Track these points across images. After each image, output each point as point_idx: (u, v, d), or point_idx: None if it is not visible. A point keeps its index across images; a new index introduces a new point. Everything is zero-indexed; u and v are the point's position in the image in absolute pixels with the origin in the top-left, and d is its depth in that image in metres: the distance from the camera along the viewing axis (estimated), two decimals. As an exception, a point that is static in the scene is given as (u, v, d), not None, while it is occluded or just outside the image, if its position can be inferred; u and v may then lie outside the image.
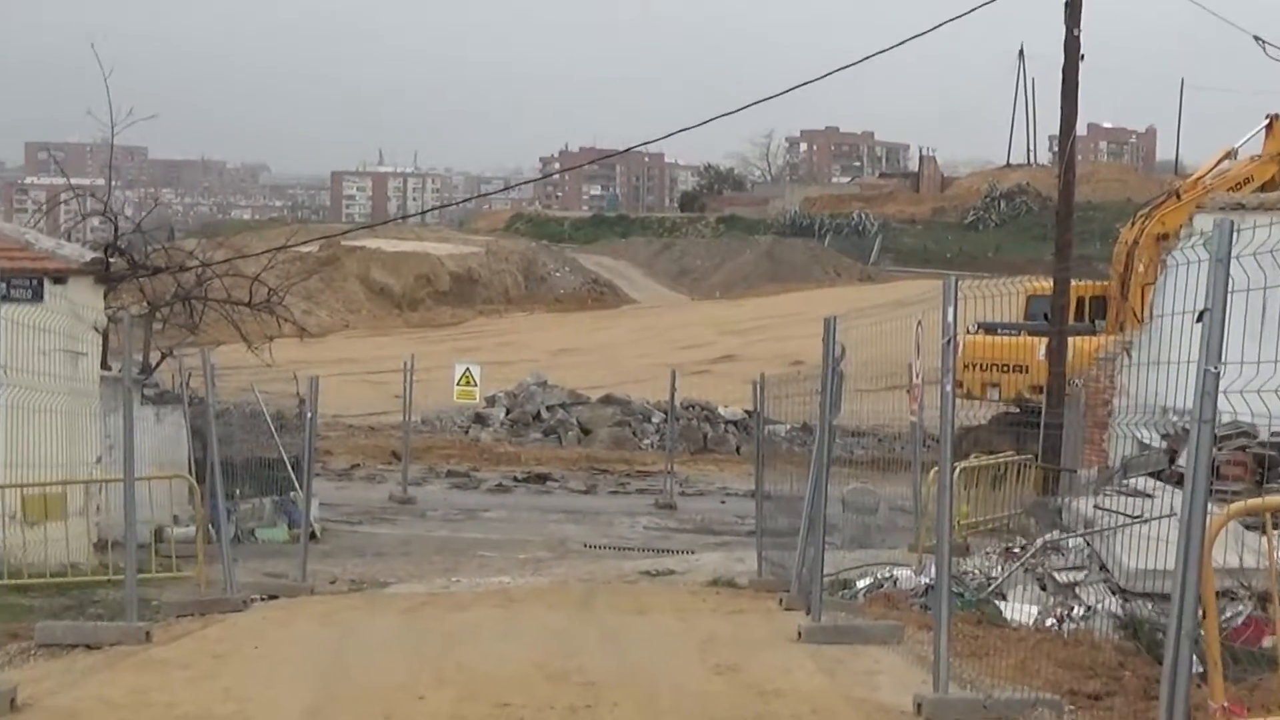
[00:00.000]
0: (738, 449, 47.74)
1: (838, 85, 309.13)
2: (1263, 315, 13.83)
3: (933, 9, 29.79)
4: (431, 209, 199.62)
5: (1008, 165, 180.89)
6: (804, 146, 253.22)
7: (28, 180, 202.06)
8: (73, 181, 36.96)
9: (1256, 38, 29.77)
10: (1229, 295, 9.33)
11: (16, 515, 21.35)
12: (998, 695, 12.19)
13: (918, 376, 24.56)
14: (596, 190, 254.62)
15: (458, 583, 23.60)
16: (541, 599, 19.99)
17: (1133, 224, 38.70)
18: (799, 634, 15.55)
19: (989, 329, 41.03)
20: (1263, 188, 38.28)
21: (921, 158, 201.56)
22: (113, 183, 34.49)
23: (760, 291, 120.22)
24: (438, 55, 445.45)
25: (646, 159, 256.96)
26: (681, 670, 13.81)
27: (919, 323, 23.62)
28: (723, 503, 37.53)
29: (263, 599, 20.85)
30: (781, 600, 18.86)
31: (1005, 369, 38.56)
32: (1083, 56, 29.14)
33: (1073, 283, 41.84)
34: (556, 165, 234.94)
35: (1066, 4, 29.13)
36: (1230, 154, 37.32)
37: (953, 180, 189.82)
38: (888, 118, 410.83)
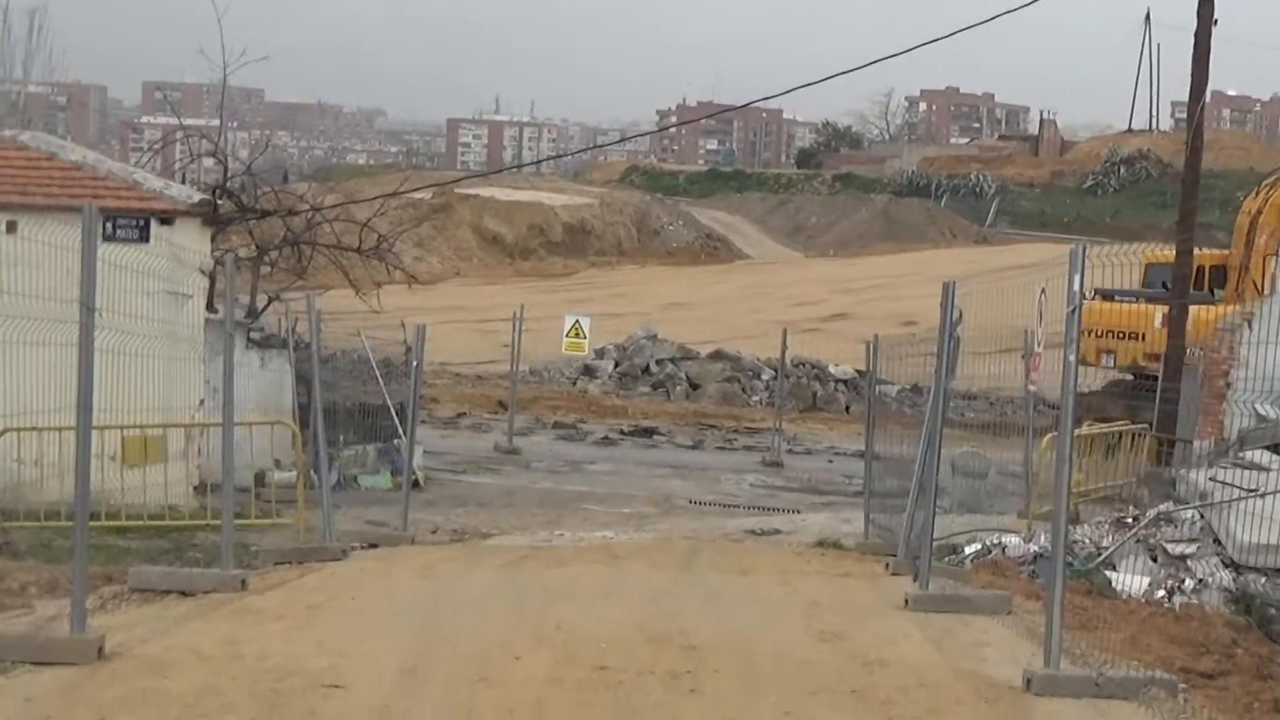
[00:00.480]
0: (847, 408, 47.28)
1: (959, 46, 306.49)
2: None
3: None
4: (546, 159, 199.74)
5: (1129, 130, 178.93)
6: (923, 106, 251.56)
7: (143, 119, 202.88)
8: (185, 122, 36.88)
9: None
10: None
11: (116, 457, 21.15)
12: (1110, 673, 11.76)
13: (1039, 344, 23.98)
14: (713, 145, 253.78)
15: (560, 536, 23.32)
16: (644, 556, 19.66)
17: (1256, 194, 38.04)
18: (905, 601, 15.17)
19: (1106, 295, 40.43)
20: None
21: (1042, 120, 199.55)
22: (228, 125, 34.36)
23: (875, 251, 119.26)
24: (558, 4, 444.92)
25: (764, 115, 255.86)
26: (784, 636, 13.45)
27: (1043, 290, 23.01)
28: (830, 462, 37.09)
29: (363, 547, 20.66)
30: (888, 565, 18.49)
31: (1121, 336, 37.95)
32: (1216, 21, 28.38)
33: (1193, 251, 41.24)
34: (673, 118, 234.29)
35: (1200, -36, 28.38)
36: None
37: (1072, 144, 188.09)
38: (1008, 80, 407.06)
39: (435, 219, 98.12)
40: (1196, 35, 28.19)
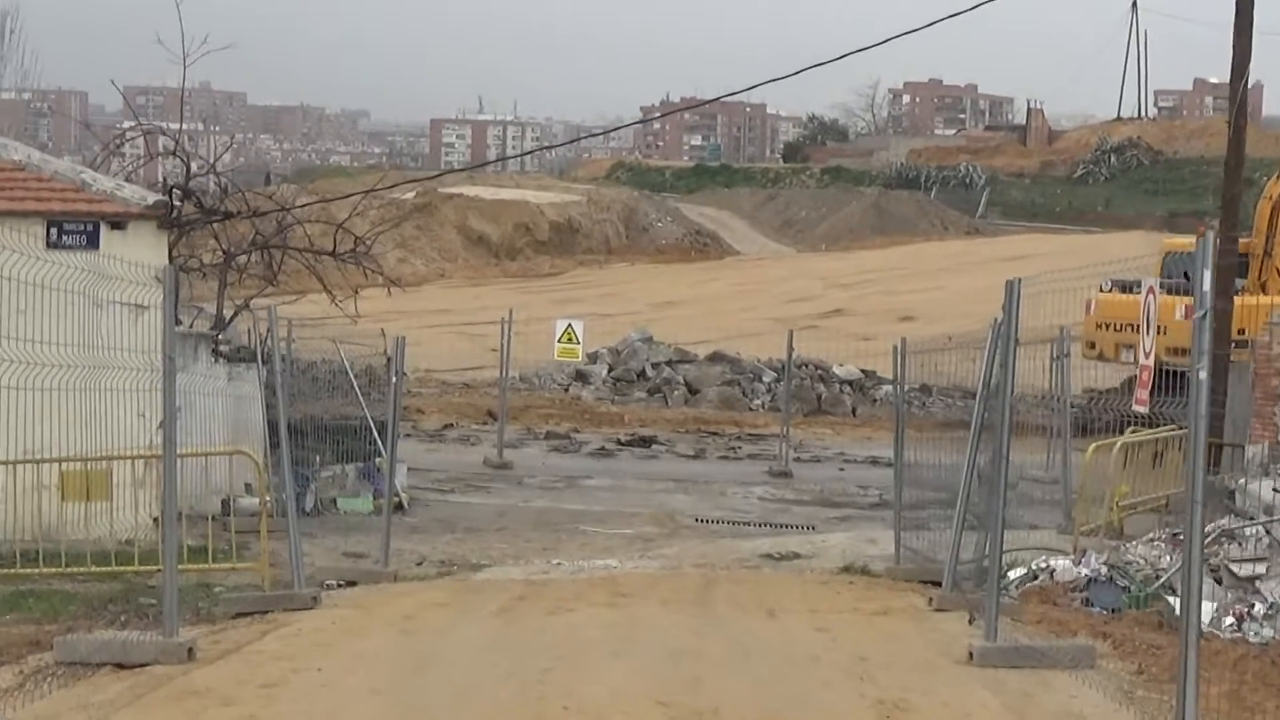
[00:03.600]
0: (853, 410, 45.18)
1: (941, 37, 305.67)
2: None
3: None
4: (529, 151, 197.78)
5: (1118, 119, 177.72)
6: (907, 98, 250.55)
7: (125, 125, 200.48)
8: (152, 123, 34.66)
9: None
10: None
11: (55, 491, 18.86)
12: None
13: (1147, 355, 21.60)
14: (697, 140, 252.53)
15: (558, 565, 21.11)
16: (654, 591, 17.48)
17: (1278, 177, 36.39)
18: (970, 655, 12.99)
19: (1124, 286, 38.42)
20: None
21: (1029, 110, 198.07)
22: (213, 128, 32.18)
23: (867, 244, 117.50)
24: (541, 3, 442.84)
25: (748, 109, 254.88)
26: (836, 709, 11.25)
27: (1151, 289, 20.67)
28: (841, 470, 34.92)
29: (339, 585, 18.54)
30: (931, 600, 16.34)
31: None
32: (1258, -9, 26.24)
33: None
34: (657, 114, 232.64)
35: (1240, -73, 26.13)
36: None
37: (1060, 134, 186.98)
38: (991, 71, 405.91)
39: (419, 220, 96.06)
40: (1238, 4, 26.00)
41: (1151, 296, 19.93)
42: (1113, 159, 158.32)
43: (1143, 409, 21.60)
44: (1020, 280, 13.23)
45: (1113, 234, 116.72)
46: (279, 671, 12.26)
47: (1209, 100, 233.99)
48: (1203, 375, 8.87)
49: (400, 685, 11.96)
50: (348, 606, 16.25)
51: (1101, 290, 38.01)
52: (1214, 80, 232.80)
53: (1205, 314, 8.82)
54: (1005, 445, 13.46)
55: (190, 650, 12.71)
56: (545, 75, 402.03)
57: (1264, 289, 35.25)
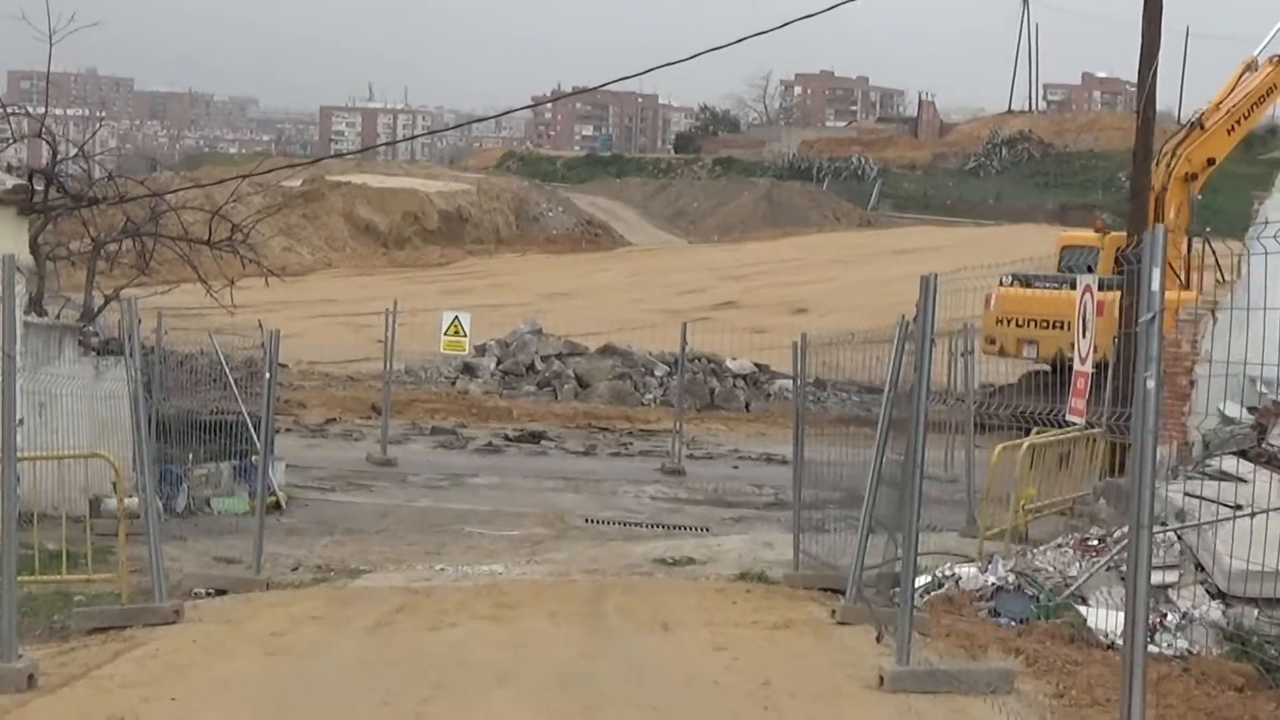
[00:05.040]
0: (747, 405, 44.37)
1: (832, 29, 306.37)
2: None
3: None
4: (417, 136, 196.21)
5: (1009, 111, 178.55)
6: (798, 90, 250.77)
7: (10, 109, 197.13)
8: (19, 106, 33.28)
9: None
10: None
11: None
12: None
13: (1084, 360, 20.66)
14: (589, 130, 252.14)
15: (441, 571, 20.05)
16: (542, 602, 16.47)
17: (1157, 164, 35.79)
18: (881, 680, 12.09)
19: (1025, 281, 37.80)
20: None
21: (921, 102, 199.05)
22: (99, 113, 30.93)
23: (759, 235, 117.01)
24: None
25: (640, 100, 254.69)
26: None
27: (1088, 288, 19.71)
28: (735, 467, 34.10)
29: (208, 594, 17.45)
30: (834, 612, 15.43)
31: (1045, 325, 35.57)
32: (1169, -26, 25.56)
33: (1112, 233, 38.74)
34: (548, 105, 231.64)
35: (1149, -86, 25.39)
36: (1250, 65, 34.67)
37: (951, 126, 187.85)
38: (882, 63, 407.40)
39: (305, 208, 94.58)
40: (1146, -7, 25.31)
41: (1088, 296, 18.97)
42: (1004, 152, 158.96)
43: (1079, 419, 20.74)
44: (936, 276, 12.33)
45: (1005, 226, 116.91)
46: (127, 702, 11.14)
47: (1096, 94, 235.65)
48: (1150, 384, 7.97)
49: (262, 716, 10.90)
50: (213, 621, 15.13)
51: (1001, 284, 37.44)
52: (1102, 74, 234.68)
53: (1154, 316, 7.93)
54: (919, 453, 12.58)
55: (31, 677, 11.57)
56: (437, 64, 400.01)
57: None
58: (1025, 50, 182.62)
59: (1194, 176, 34.27)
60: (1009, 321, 37.07)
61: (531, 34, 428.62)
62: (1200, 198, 36.23)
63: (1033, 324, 36.52)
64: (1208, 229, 34.94)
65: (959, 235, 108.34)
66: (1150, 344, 7.99)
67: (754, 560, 20.60)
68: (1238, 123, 34.79)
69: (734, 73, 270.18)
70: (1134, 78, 26.91)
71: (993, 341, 37.25)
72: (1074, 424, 20.86)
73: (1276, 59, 34.63)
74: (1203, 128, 34.10)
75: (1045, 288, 37.09)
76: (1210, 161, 34.45)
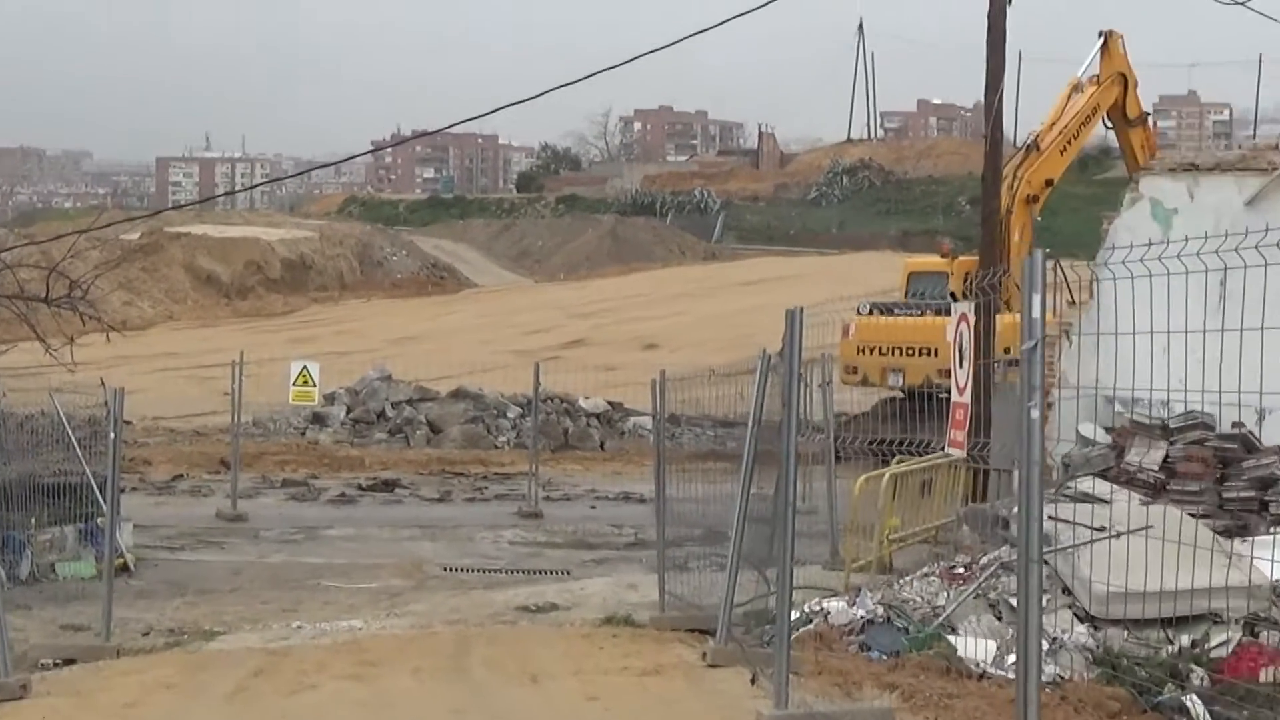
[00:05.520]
0: (602, 444, 44.02)
1: (670, 64, 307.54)
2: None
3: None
4: (256, 185, 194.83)
5: (848, 141, 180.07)
6: (638, 125, 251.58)
7: None
8: None
9: None
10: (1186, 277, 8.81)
11: None
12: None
13: (962, 391, 20.39)
14: (430, 173, 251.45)
15: (299, 629, 19.49)
16: (405, 657, 15.99)
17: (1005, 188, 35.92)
18: (760, 727, 11.76)
19: (885, 309, 37.76)
20: (1108, 113, 35.99)
21: (761, 134, 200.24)
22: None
23: (605, 272, 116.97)
24: (267, 40, 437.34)
25: (480, 140, 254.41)
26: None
27: (963, 316, 19.45)
28: (593, 508, 33.72)
29: (55, 664, 16.83)
30: (705, 655, 15.09)
31: (910, 352, 35.52)
32: (1010, 1, 25.47)
33: (960, 257, 38.84)
34: (388, 145, 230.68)
35: (992, -62, 25.31)
36: (1076, 85, 35.05)
37: (792, 157, 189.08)
38: (721, 96, 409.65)
39: (144, 260, 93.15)
40: (990, 19, 25.23)
41: (965, 325, 18.70)
42: (845, 180, 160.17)
43: (959, 452, 20.54)
44: (802, 309, 12.03)
45: (848, 255, 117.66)
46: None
47: (933, 120, 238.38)
48: (1035, 414, 7.68)
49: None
50: (62, 694, 14.51)
51: (859, 313, 37.41)
52: (937, 100, 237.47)
53: (1036, 345, 7.64)
54: (791, 488, 12.26)
55: None
56: (274, 111, 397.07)
57: (1007, 306, 34.84)
58: (862, 79, 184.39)
59: (1035, 198, 34.48)
60: (871, 350, 37.00)
61: (368, 78, 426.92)
62: (1040, 219, 36.42)
63: (897, 351, 36.49)
64: (1046, 250, 34.99)
65: (804, 265, 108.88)
66: (1033, 372, 7.71)
67: (618, 603, 20.25)
68: (1069, 143, 35.14)
69: (574, 110, 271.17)
70: (968, 103, 27.13)
71: (854, 371, 37.18)
72: (952, 454, 20.70)
73: (1096, 79, 35.07)
74: (1039, 149, 34.32)
75: (907, 315, 37.13)
76: (1048, 183, 34.71)
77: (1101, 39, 35.37)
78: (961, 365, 19.70)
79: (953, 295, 31.10)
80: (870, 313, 37.34)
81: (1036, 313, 7.71)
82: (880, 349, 36.08)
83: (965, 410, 19.81)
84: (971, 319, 19.52)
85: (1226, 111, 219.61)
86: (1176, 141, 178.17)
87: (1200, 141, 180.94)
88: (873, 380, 36.21)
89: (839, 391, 33.77)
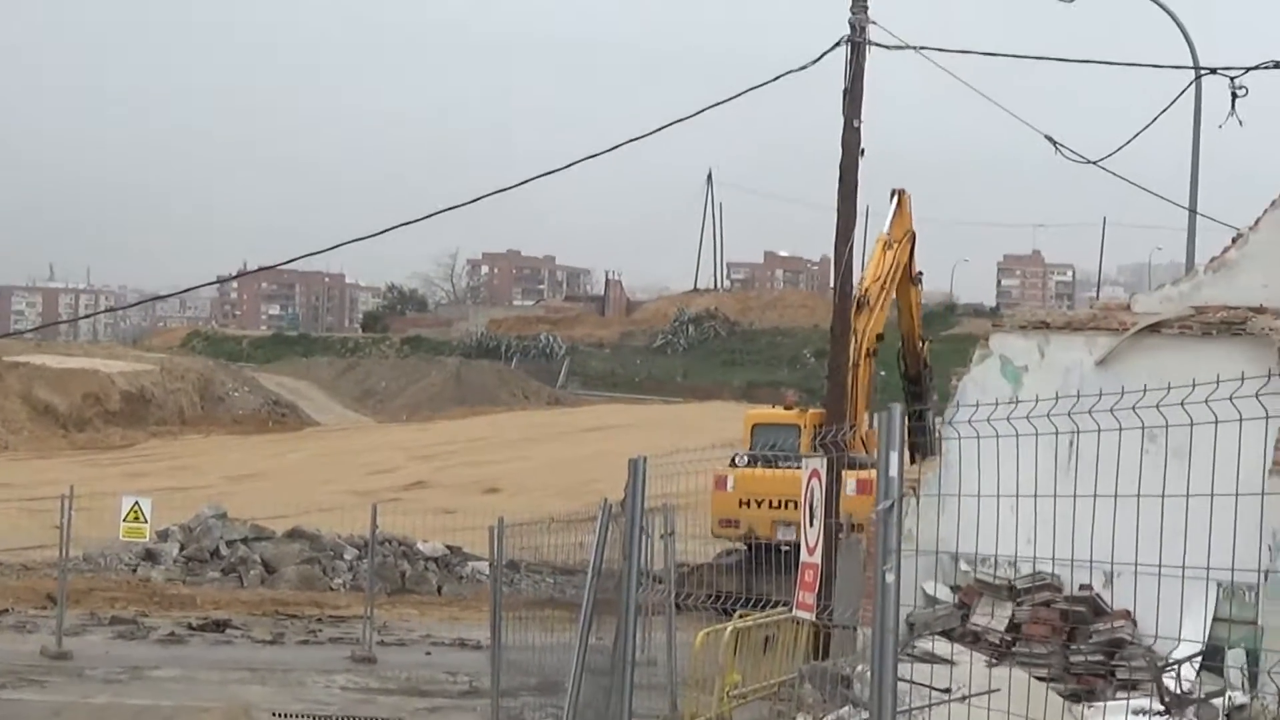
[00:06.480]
0: (439, 589, 43.31)
1: (518, 208, 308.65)
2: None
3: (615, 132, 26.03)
4: (96, 313, 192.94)
5: (695, 290, 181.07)
6: (485, 268, 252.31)
7: None
8: None
9: (1048, 138, 26.37)
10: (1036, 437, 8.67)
11: None
12: None
13: (811, 551, 20.00)
14: (275, 310, 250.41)
15: (119, 779, 18.86)
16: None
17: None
18: None
19: (769, 461, 37.34)
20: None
21: (608, 281, 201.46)
22: None
23: (448, 414, 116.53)
24: (112, 174, 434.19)
25: (327, 279, 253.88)
26: None
27: (815, 472, 19.10)
28: (428, 654, 33.10)
29: None
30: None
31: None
32: (863, 151, 25.52)
33: (811, 410, 38.77)
34: (234, 284, 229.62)
35: (845, 92, 25.31)
36: (886, 242, 35.30)
37: (638, 304, 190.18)
38: (569, 242, 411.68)
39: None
40: (842, 166, 25.27)
41: (816, 481, 18.38)
42: (691, 329, 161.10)
43: (808, 614, 20.20)
44: (645, 458, 11.73)
45: (692, 404, 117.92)
46: None
47: (779, 272, 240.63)
48: (890, 578, 7.38)
49: None
50: None
51: (735, 464, 36.97)
52: (784, 253, 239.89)
53: (893, 505, 7.36)
54: (630, 644, 11.87)
55: None
56: (120, 243, 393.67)
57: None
58: (710, 229, 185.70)
59: (874, 352, 34.47)
60: (759, 503, 36.43)
61: (215, 213, 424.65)
62: (882, 374, 36.44)
63: (790, 505, 36.11)
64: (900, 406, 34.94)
65: (648, 413, 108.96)
66: (890, 534, 7.42)
67: (452, 756, 19.79)
68: (888, 298, 35.28)
69: (421, 251, 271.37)
70: (815, 256, 27.07)
71: (733, 524, 36.62)
72: (800, 616, 20.35)
73: (887, 238, 35.13)
74: (869, 304, 34.31)
75: (790, 468, 36.79)
76: (880, 337, 34.69)
77: (895, 197, 35.61)
78: (812, 524, 19.39)
79: (816, 445, 30.93)
80: (748, 464, 36.91)
81: (894, 470, 7.41)
82: (771, 502, 35.58)
83: (815, 571, 19.41)
84: (823, 474, 19.23)
85: (1070, 272, 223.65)
86: (1020, 300, 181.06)
87: (1044, 301, 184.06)
88: (760, 534, 35.62)
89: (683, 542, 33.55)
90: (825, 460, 11.28)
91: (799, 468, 33.90)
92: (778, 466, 36.22)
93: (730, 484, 36.39)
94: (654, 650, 24.99)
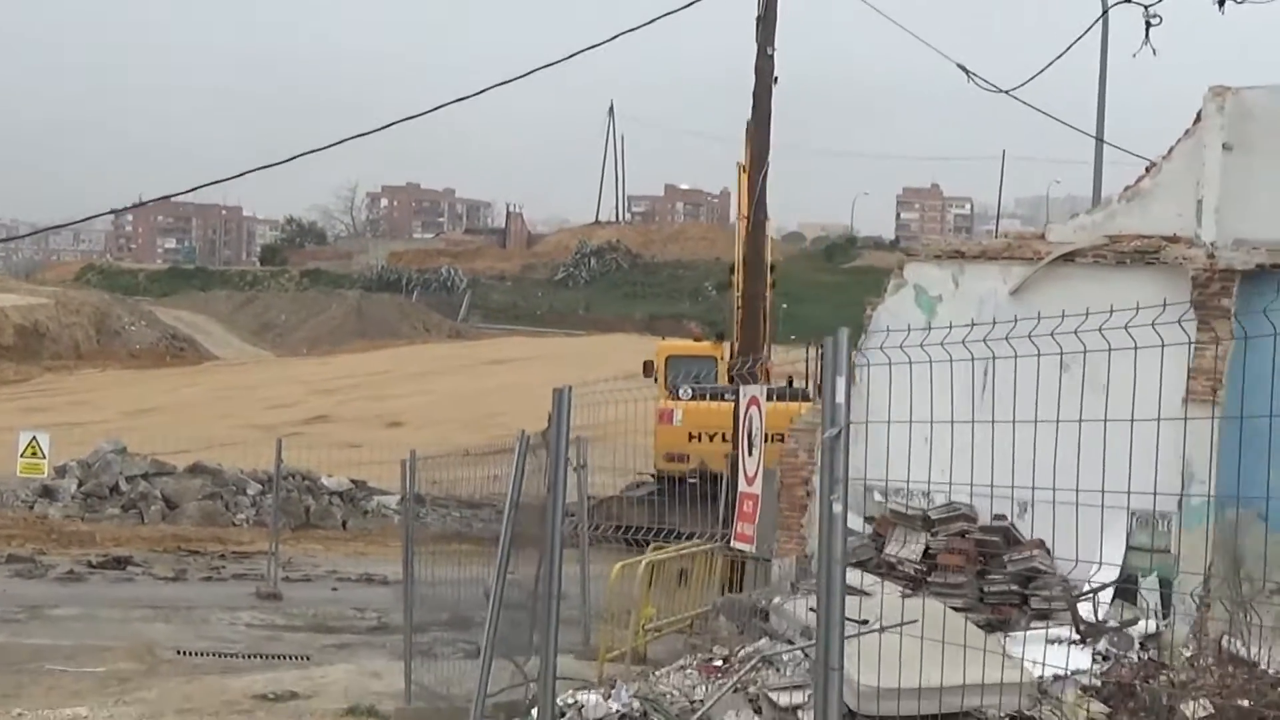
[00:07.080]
0: (344, 524, 42.90)
1: (418, 140, 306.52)
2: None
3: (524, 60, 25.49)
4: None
5: (596, 223, 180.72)
6: (385, 201, 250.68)
7: None
8: None
9: (961, 66, 26.07)
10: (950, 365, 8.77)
11: None
12: None
13: (750, 481, 19.74)
14: (172, 243, 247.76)
15: (19, 717, 18.40)
16: (132, 751, 15.06)
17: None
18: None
19: (716, 394, 36.96)
20: None
21: (509, 214, 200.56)
22: None
23: (349, 348, 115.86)
24: (8, 101, 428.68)
25: (224, 211, 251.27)
26: None
27: (754, 400, 18.84)
28: (334, 589, 32.65)
29: None
30: (459, 754, 14.39)
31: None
32: (776, 79, 25.17)
33: (724, 343, 38.48)
34: (129, 217, 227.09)
35: (758, 20, 24.94)
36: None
37: (540, 237, 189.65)
38: (469, 174, 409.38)
39: None
40: (755, 94, 24.94)
41: (755, 409, 18.16)
42: (593, 262, 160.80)
43: (748, 546, 19.96)
44: (570, 389, 11.39)
45: (595, 336, 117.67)
46: None
47: (680, 205, 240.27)
48: (837, 508, 7.09)
49: None
50: None
51: (679, 397, 36.51)
52: (685, 186, 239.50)
53: (840, 432, 7.06)
54: (556, 579, 11.53)
55: None
56: (12, 175, 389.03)
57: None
58: (612, 162, 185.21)
59: (774, 284, 34.18)
60: (709, 437, 35.93)
61: (110, 144, 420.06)
62: (785, 306, 36.15)
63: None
64: (792, 336, 34.89)
65: (550, 345, 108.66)
66: (836, 462, 7.12)
67: (362, 692, 19.51)
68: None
69: (320, 184, 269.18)
70: (715, 189, 26.78)
71: (681, 459, 36.05)
72: (740, 548, 20.16)
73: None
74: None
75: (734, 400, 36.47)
76: (772, 267, 34.36)
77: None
78: (751, 453, 19.15)
79: (738, 381, 30.79)
80: (694, 397, 36.42)
81: (841, 397, 7.12)
82: (724, 435, 35.33)
83: (755, 501, 19.22)
84: (762, 402, 19.00)
85: (968, 205, 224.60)
86: (919, 234, 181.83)
87: (943, 234, 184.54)
88: (715, 468, 35.31)
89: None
90: (764, 388, 10.92)
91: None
92: (725, 400, 36.02)
93: (678, 417, 35.87)
94: (567, 583, 24.74)
